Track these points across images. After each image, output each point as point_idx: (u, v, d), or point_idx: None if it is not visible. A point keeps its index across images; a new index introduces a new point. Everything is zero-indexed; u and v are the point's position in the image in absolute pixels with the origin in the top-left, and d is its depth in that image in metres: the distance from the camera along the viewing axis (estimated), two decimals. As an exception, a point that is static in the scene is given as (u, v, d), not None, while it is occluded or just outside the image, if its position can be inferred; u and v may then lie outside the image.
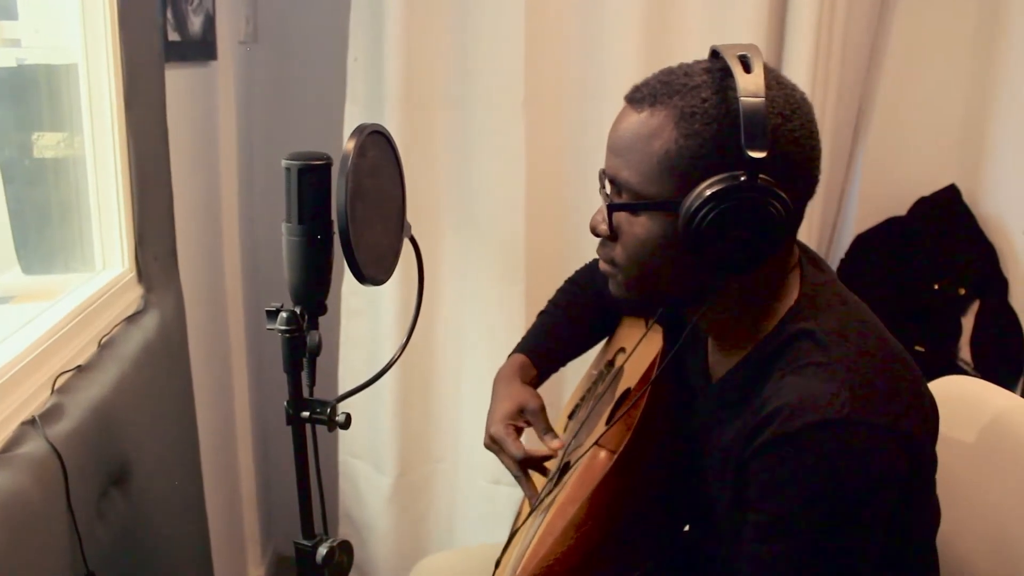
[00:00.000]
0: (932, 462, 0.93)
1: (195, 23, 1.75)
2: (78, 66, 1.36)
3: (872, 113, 2.05)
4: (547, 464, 1.25)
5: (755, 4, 1.78)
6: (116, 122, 1.37)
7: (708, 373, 1.07)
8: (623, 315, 1.43)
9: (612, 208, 0.94)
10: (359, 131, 0.87)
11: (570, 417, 1.43)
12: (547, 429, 1.24)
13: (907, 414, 0.87)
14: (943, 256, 2.06)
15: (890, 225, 2.13)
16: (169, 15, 1.61)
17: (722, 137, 0.86)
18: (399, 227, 0.97)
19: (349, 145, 0.85)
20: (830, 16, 1.82)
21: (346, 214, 0.83)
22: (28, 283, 1.40)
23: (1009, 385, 1.98)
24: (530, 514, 1.20)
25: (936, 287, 2.05)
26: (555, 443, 1.20)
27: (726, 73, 0.88)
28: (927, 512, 0.95)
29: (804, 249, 1.01)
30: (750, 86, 0.84)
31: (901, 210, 2.13)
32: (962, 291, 2.03)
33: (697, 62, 0.93)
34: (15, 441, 0.99)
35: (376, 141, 0.91)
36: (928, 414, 0.92)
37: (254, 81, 2.19)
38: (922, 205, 2.11)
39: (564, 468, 1.21)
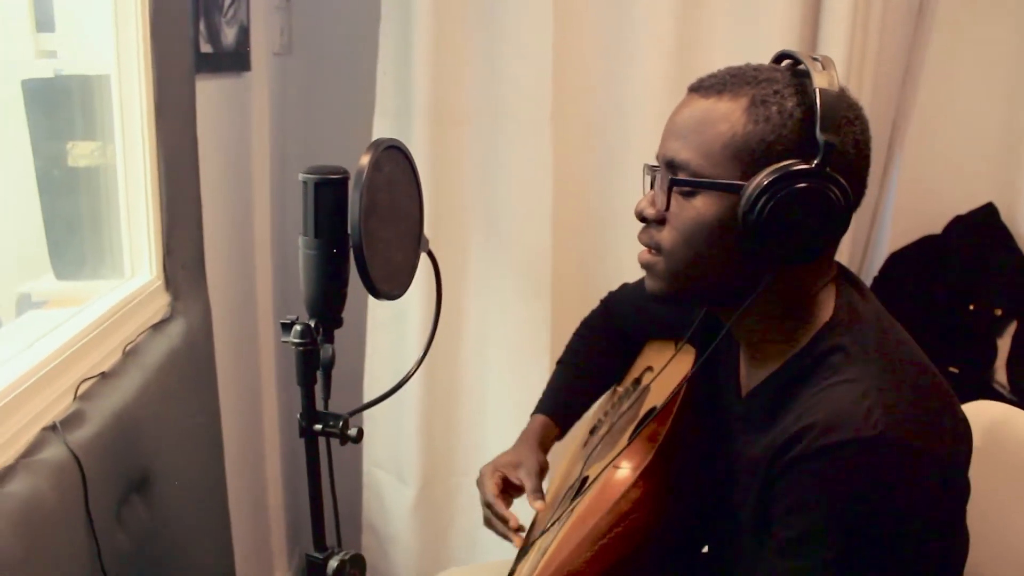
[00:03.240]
0: (964, 489, 0.90)
1: (228, 35, 1.77)
2: (110, 77, 1.38)
3: (907, 129, 2.01)
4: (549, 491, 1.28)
5: (786, 18, 1.76)
6: (146, 132, 1.38)
7: (739, 387, 1.06)
8: (649, 339, 1.42)
9: (673, 183, 0.93)
10: (375, 146, 0.88)
11: (591, 433, 1.42)
12: (535, 490, 1.27)
13: (940, 436, 0.86)
14: (979, 276, 2.02)
15: (925, 243, 2.10)
16: (202, 27, 1.63)
17: (791, 126, 0.88)
18: (416, 242, 0.96)
19: (364, 160, 0.86)
20: (863, 31, 1.80)
21: (360, 229, 0.84)
22: (61, 288, 1.43)
23: (1046, 409, 1.94)
24: (529, 541, 1.20)
25: (971, 307, 2.01)
26: (538, 503, 1.25)
27: (795, 72, 0.91)
28: (956, 541, 0.92)
29: (842, 268, 1.00)
30: (824, 80, 0.87)
31: (936, 228, 2.10)
32: (998, 312, 1.99)
33: (761, 64, 0.95)
34: (36, 447, 1.00)
35: (392, 156, 0.91)
36: (962, 439, 0.91)
37: (288, 92, 2.20)
38: (958, 223, 2.08)
39: (583, 482, 1.21)
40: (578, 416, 1.43)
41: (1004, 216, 2.04)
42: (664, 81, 1.77)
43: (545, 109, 1.79)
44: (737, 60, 0.97)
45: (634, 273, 1.48)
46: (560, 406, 1.40)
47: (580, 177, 1.88)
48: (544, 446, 1.36)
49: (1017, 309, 1.99)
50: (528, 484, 1.28)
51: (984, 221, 2.05)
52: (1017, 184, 2.04)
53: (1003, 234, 2.03)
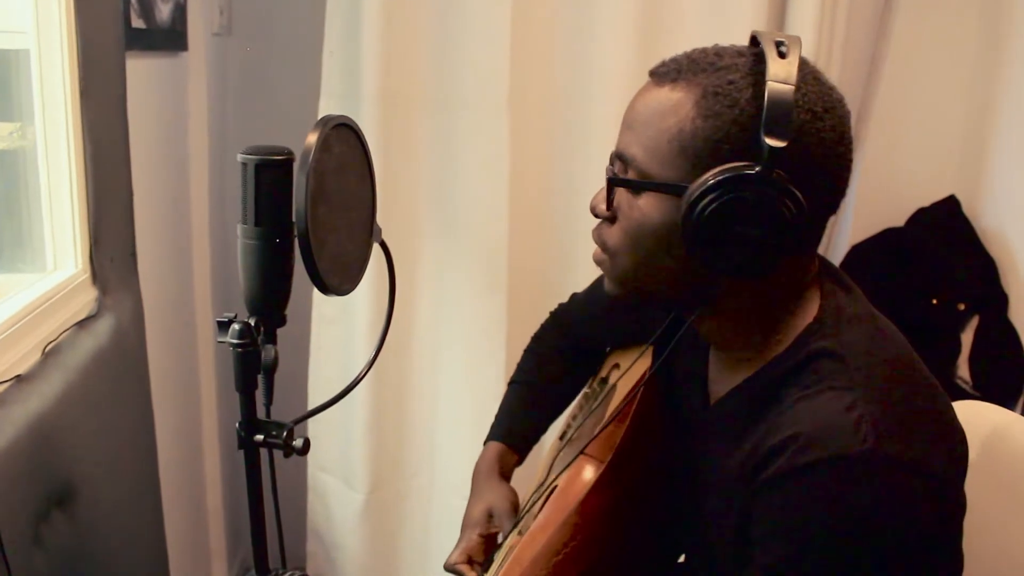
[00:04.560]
0: (960, 506, 0.84)
1: (163, 11, 1.66)
2: (30, 52, 1.27)
3: (870, 120, 1.98)
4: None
5: (753, 10, 1.71)
6: (70, 112, 1.28)
7: (707, 393, 0.99)
8: (611, 349, 1.34)
9: (613, 183, 0.86)
10: (323, 123, 0.79)
11: (562, 438, 1.34)
12: (509, 533, 1.16)
13: (935, 450, 0.79)
14: (942, 270, 1.99)
15: (887, 236, 2.06)
16: (134, 1, 1.52)
17: (742, 123, 0.79)
18: (367, 232, 0.87)
19: (311, 139, 0.76)
20: (831, 23, 1.76)
21: (306, 216, 0.75)
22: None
23: (1008, 403, 1.92)
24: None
25: (934, 302, 1.98)
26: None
27: (760, 58, 0.81)
28: (951, 561, 0.86)
29: (828, 266, 0.93)
30: (781, 72, 0.78)
31: (899, 221, 2.07)
32: (961, 306, 1.97)
33: (732, 45, 0.86)
34: (-63, 461, 0.89)
35: (343, 135, 0.82)
36: (957, 450, 0.84)
37: (228, 74, 2.10)
38: (921, 216, 2.05)
39: (552, 492, 1.14)
40: (536, 439, 1.32)
41: (966, 209, 2.02)
42: (626, 66, 1.70)
43: (502, 94, 1.72)
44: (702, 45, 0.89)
45: (593, 265, 1.40)
46: (515, 431, 1.30)
47: (538, 166, 1.81)
48: (505, 475, 1.25)
49: (979, 303, 1.97)
50: (503, 529, 1.18)
51: (946, 214, 2.02)
52: (978, 177, 2.02)
53: (965, 227, 2.01)
